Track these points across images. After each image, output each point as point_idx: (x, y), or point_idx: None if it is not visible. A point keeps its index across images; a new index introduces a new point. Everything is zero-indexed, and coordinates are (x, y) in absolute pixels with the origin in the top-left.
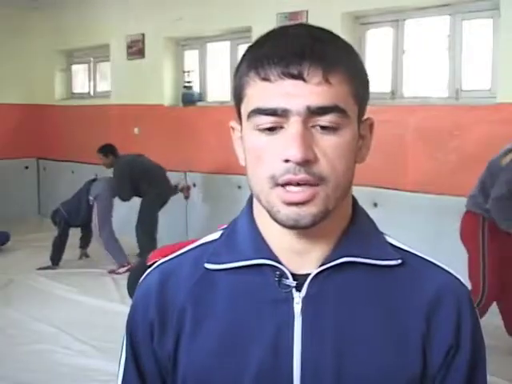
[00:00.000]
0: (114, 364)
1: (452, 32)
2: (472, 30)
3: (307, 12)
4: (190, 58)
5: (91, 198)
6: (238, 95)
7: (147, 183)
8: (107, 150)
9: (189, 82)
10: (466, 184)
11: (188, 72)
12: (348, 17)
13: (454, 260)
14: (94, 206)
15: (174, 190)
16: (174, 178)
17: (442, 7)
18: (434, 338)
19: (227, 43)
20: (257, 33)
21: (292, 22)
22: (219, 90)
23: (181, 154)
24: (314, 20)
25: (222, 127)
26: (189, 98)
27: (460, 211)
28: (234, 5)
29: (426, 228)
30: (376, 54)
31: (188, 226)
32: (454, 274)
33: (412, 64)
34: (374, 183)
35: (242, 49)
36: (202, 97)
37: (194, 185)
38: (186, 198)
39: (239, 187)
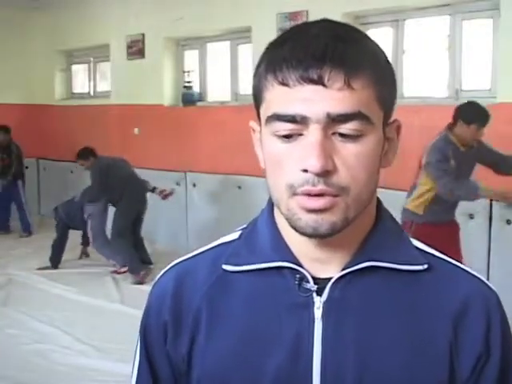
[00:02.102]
0: (114, 364)
1: (452, 32)
2: (472, 30)
3: (307, 12)
4: (190, 58)
5: (85, 215)
6: (257, 97)
7: (120, 192)
8: (87, 154)
9: (189, 82)
10: None
11: (188, 72)
12: (348, 17)
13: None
14: (88, 222)
15: (152, 190)
16: (173, 178)
17: (442, 7)
18: (462, 345)
19: (227, 43)
20: (257, 33)
21: (292, 22)
22: (219, 89)
23: (181, 154)
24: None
25: (221, 127)
26: (189, 98)
27: (460, 211)
28: (234, 5)
29: None
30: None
31: (188, 225)
32: (482, 278)
33: (412, 64)
34: None
35: (242, 49)
36: (202, 97)
37: (194, 185)
38: (164, 198)
39: (239, 187)
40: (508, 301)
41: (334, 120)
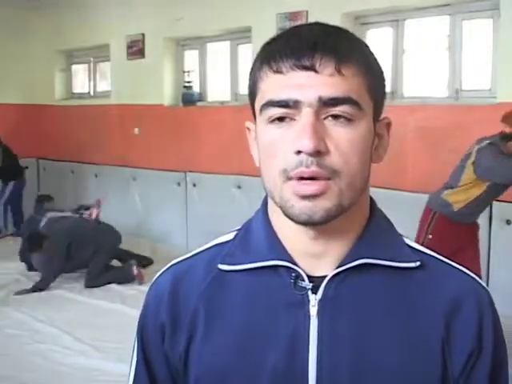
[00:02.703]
0: (114, 364)
1: (452, 32)
2: (472, 30)
3: (307, 12)
4: (190, 58)
5: None
6: (252, 91)
7: (88, 257)
8: (37, 243)
9: (189, 82)
10: None
11: (188, 72)
12: (348, 17)
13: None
14: None
15: (80, 213)
16: (173, 178)
17: (442, 7)
18: (454, 342)
19: (227, 43)
20: (257, 33)
21: (292, 22)
22: (219, 90)
23: (181, 153)
24: (313, 20)
25: (222, 127)
26: (189, 98)
27: None
28: (234, 5)
29: None
30: (376, 54)
31: (188, 225)
32: (474, 276)
33: (412, 64)
34: (374, 183)
35: (242, 49)
36: (202, 97)
37: (194, 185)
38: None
39: (239, 187)
40: (508, 300)
41: (325, 104)
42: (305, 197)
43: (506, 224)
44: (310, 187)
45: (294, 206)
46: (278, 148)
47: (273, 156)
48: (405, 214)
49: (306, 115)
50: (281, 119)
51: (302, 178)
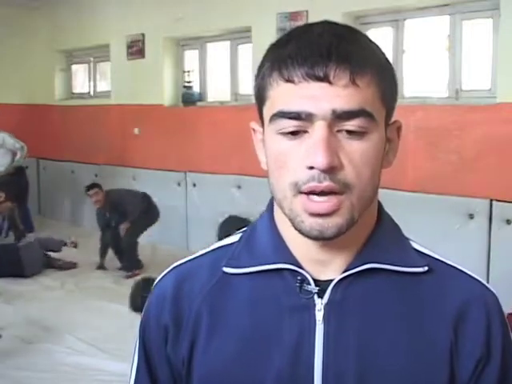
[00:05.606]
0: (115, 363)
1: (452, 32)
2: (472, 30)
3: (307, 12)
4: (190, 58)
5: None
6: (260, 97)
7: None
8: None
9: (189, 82)
10: (466, 184)
11: (188, 72)
12: (348, 17)
13: (455, 262)
14: None
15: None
16: (174, 178)
17: (442, 7)
18: (462, 347)
19: (227, 43)
20: (257, 33)
21: (292, 22)
22: (219, 89)
23: (181, 154)
24: (313, 20)
25: (222, 127)
26: (189, 98)
27: (460, 211)
28: (234, 5)
29: (425, 228)
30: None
31: (188, 225)
32: (482, 280)
33: (412, 64)
34: None
35: (242, 49)
36: (202, 97)
37: (194, 185)
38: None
39: (239, 187)
40: (508, 301)
41: (338, 117)
42: (316, 214)
43: (506, 224)
44: (322, 206)
45: (304, 221)
46: (289, 160)
47: (283, 167)
48: (404, 214)
49: (319, 129)
50: (293, 133)
51: (313, 193)
